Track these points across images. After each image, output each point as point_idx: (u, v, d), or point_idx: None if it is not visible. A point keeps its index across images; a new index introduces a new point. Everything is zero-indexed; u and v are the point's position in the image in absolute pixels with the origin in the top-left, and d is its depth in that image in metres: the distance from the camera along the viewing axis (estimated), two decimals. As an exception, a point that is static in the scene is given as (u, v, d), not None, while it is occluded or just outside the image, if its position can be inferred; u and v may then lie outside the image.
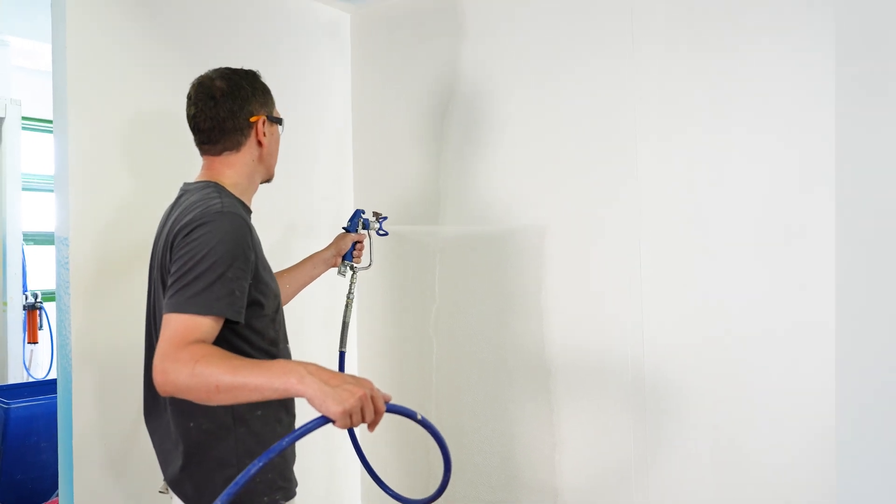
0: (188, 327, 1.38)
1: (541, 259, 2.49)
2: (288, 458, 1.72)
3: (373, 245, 2.38)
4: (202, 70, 1.72)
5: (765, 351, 2.01)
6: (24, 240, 4.68)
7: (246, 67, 1.76)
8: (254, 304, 1.57)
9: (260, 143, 1.72)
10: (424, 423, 1.42)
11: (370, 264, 2.39)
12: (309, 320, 2.81)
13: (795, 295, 1.96)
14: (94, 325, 2.19)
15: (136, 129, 2.31)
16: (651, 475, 2.23)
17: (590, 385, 2.38)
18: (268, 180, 1.83)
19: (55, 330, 2.37)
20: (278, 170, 1.86)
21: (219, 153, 1.69)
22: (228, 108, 1.65)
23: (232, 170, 1.69)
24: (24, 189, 4.67)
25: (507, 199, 2.58)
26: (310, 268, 2.20)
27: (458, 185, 2.73)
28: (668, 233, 2.19)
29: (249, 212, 1.73)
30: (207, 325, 1.40)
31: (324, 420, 1.29)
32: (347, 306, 2.39)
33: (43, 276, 4.95)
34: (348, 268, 2.28)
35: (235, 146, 1.68)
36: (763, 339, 2.01)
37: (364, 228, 2.33)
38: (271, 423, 1.66)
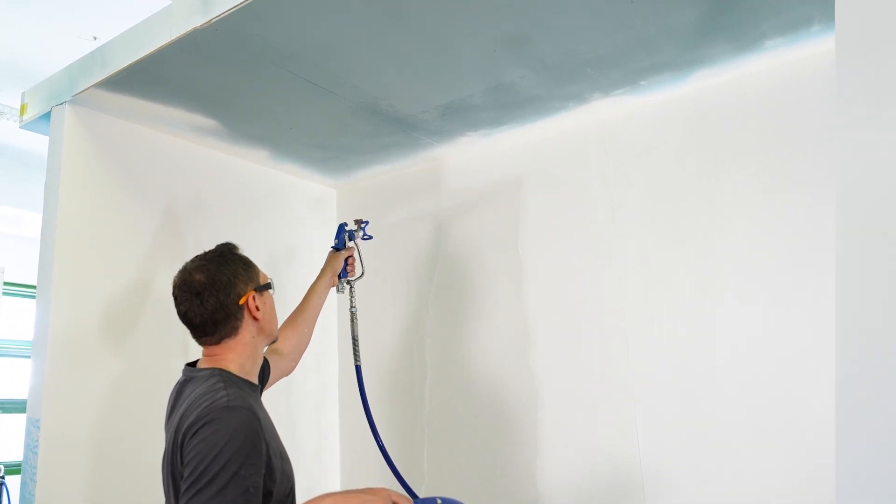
0: None
1: (535, 432, 2.40)
2: None
3: (361, 253, 2.47)
4: (193, 244, 1.70)
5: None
6: (-6, 408, 4.51)
7: (220, 242, 1.76)
8: (264, 495, 1.50)
9: (255, 318, 1.69)
10: (446, 502, 1.55)
11: (362, 273, 2.47)
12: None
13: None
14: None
15: (120, 305, 2.28)
16: None
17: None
18: (273, 342, 1.81)
19: (16, 517, 2.20)
20: None
21: (218, 342, 1.66)
22: (215, 300, 1.62)
23: (234, 353, 1.66)
24: (-1, 355, 4.56)
25: (497, 366, 2.54)
26: (316, 299, 2.28)
27: (445, 353, 2.69)
28: (662, 403, 2.17)
29: (256, 387, 1.70)
30: None
31: None
32: (353, 320, 2.45)
33: (13, 445, 4.71)
34: (346, 283, 2.39)
35: (232, 332, 1.66)
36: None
37: (351, 240, 2.44)
38: None
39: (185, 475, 1.42)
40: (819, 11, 1.79)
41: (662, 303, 2.20)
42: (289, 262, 2.91)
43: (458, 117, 2.42)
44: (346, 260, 2.39)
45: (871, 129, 0.95)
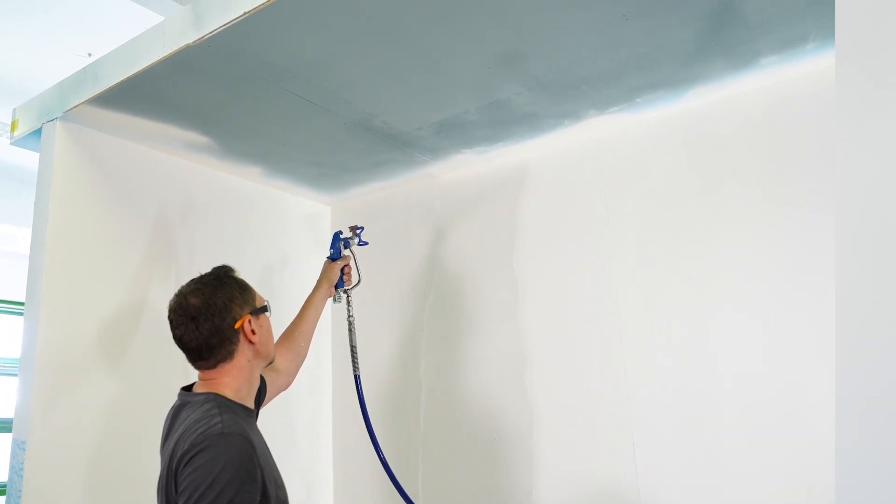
0: None
1: (530, 453, 2.37)
2: None
3: (357, 261, 2.43)
4: (186, 262, 1.67)
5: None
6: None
7: (216, 264, 1.74)
8: None
9: (251, 342, 1.67)
10: None
11: (359, 281, 2.43)
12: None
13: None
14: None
15: (111, 324, 2.24)
16: None
17: None
18: (269, 363, 1.80)
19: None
20: None
21: (214, 366, 1.64)
22: (210, 324, 1.60)
23: (230, 377, 1.64)
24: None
25: (493, 386, 2.51)
26: (313, 312, 2.24)
27: (440, 372, 2.66)
28: (661, 424, 2.13)
29: (252, 412, 1.68)
30: None
31: None
32: (350, 330, 2.42)
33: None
34: (342, 293, 2.36)
35: (228, 356, 1.64)
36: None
37: (346, 248, 2.40)
38: None
39: (180, 503, 1.40)
40: (814, 29, 1.79)
41: (661, 321, 2.17)
42: (283, 279, 2.88)
43: (452, 134, 2.40)
44: (342, 269, 2.36)
45: (870, 141, 0.95)
